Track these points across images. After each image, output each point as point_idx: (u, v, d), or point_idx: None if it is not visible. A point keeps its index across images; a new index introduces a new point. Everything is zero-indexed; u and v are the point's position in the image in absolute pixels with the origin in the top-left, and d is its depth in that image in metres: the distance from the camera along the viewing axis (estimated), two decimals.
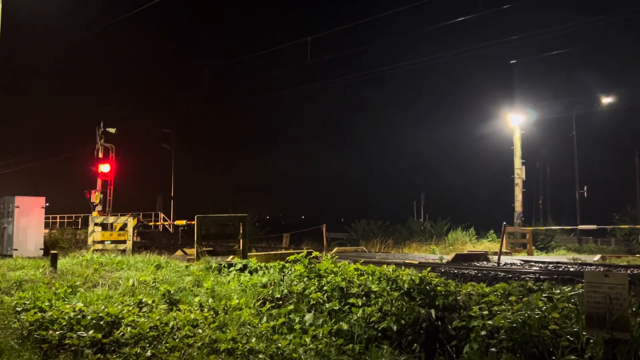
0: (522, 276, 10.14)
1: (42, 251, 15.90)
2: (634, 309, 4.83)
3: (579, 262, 15.03)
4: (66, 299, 6.86)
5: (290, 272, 8.30)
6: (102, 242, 15.23)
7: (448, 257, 15.79)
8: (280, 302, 7.16)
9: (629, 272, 10.76)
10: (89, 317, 5.75)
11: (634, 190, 36.39)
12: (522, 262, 14.99)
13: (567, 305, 5.40)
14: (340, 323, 5.96)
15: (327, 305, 6.58)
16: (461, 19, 16.73)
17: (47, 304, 6.38)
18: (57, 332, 5.48)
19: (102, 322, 5.69)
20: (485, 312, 5.71)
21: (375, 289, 6.78)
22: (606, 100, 32.25)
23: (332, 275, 7.50)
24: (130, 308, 6.30)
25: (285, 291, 7.39)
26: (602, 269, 12.13)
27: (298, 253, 8.79)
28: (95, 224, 15.37)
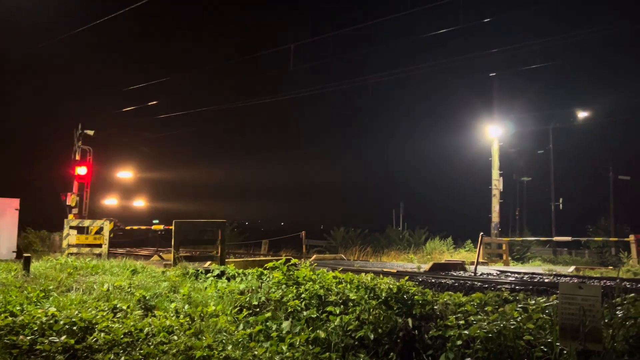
0: (498, 286, 10.25)
1: (14, 254, 15.58)
2: (606, 321, 4.91)
3: (554, 273, 15.25)
4: (38, 304, 6.72)
5: (268, 279, 8.26)
6: (77, 245, 15.00)
7: (426, 267, 15.87)
8: (258, 310, 7.11)
9: (601, 283, 10.96)
10: (61, 322, 5.63)
11: (608, 204, 37.11)
12: (498, 273, 15.15)
13: (541, 316, 5.46)
14: (318, 331, 5.94)
15: (304, 313, 6.56)
16: (443, 31, 16.95)
17: (18, 308, 6.23)
18: (28, 337, 5.35)
19: (75, 328, 5.58)
20: (462, 322, 5.74)
21: (353, 297, 6.78)
22: (582, 114, 32.96)
23: (311, 282, 7.48)
24: (105, 313, 6.19)
25: (263, 298, 7.34)
26: (576, 281, 12.33)
27: (276, 260, 8.73)
28: (71, 227, 15.13)
